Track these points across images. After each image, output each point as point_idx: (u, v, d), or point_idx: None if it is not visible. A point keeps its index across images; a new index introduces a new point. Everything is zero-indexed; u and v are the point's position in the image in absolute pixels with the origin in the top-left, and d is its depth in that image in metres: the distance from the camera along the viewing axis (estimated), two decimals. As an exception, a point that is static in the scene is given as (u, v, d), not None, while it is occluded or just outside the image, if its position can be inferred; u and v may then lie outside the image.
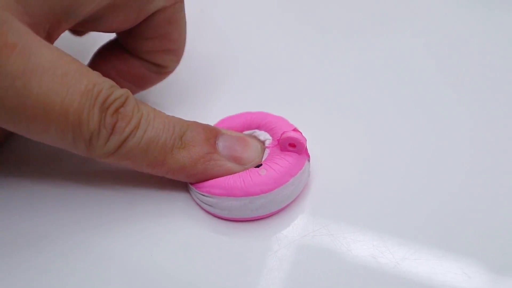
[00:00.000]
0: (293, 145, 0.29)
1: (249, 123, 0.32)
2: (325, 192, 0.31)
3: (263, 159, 0.30)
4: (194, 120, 0.30)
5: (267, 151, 0.30)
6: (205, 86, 0.38)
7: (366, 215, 0.30)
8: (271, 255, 0.29)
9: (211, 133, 0.29)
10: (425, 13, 0.42)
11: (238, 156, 0.29)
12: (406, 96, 0.36)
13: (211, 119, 0.33)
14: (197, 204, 0.31)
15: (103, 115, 0.26)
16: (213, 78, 0.39)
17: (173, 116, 0.29)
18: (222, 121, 0.32)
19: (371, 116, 0.35)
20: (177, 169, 0.28)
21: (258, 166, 0.29)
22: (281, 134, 0.29)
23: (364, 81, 0.37)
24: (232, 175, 0.29)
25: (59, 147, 0.26)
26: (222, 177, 0.29)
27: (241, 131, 0.32)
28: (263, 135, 0.31)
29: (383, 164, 0.32)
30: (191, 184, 0.30)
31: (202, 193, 0.29)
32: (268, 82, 0.38)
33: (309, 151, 0.30)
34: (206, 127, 0.29)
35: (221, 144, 0.29)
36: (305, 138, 0.29)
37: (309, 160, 0.30)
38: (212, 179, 0.29)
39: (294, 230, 0.30)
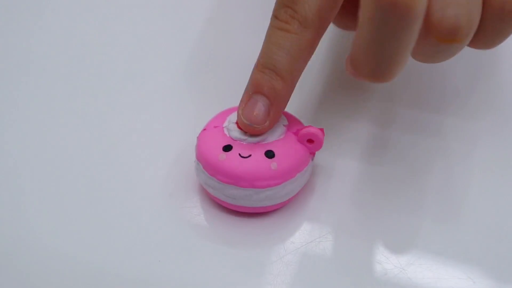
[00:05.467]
0: (311, 141, 0.30)
1: None
2: (331, 198, 0.31)
3: (279, 136, 0.30)
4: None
5: (284, 130, 0.30)
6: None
7: (371, 221, 0.30)
8: (277, 261, 0.29)
9: None
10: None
11: None
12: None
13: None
14: (201, 185, 0.31)
15: None
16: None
17: None
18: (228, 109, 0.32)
19: (376, 120, 0.35)
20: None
21: (270, 154, 0.29)
22: (306, 127, 0.30)
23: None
24: (241, 164, 0.29)
25: None
26: (232, 164, 0.29)
27: None
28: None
29: (387, 169, 0.32)
30: (200, 162, 0.30)
31: (209, 176, 0.30)
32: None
33: (316, 157, 0.31)
34: None
35: None
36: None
37: (313, 159, 0.31)
38: None
39: (300, 236, 0.30)
